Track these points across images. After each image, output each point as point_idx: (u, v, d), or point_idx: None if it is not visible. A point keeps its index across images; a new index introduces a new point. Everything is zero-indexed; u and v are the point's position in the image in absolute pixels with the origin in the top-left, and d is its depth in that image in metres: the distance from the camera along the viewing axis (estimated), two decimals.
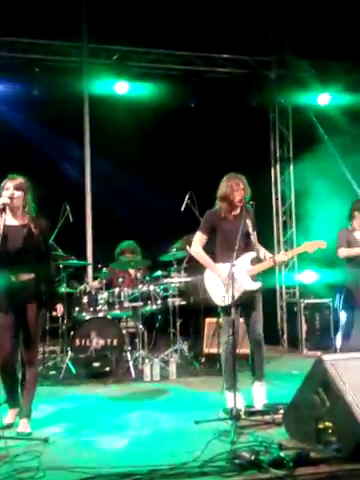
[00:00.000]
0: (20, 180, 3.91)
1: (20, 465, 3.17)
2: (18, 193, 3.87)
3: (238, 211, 4.36)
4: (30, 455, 3.34)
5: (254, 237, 4.39)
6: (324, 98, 8.48)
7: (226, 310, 4.23)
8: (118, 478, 2.92)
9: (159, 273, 6.75)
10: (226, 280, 4.18)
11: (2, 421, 3.62)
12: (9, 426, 3.85)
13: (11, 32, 7.49)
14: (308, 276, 8.35)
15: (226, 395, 4.23)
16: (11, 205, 3.82)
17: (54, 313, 4.34)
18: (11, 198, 3.81)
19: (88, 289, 6.41)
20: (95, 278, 7.19)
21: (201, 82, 8.31)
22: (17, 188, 3.86)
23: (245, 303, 4.28)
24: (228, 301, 4.14)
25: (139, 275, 6.58)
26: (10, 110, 7.66)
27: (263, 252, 4.45)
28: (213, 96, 8.27)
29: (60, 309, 4.40)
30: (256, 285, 4.30)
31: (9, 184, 3.86)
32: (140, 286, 6.41)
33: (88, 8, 7.52)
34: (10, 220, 3.86)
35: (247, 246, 4.26)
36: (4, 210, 3.74)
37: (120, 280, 6.46)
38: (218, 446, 3.40)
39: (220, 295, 4.23)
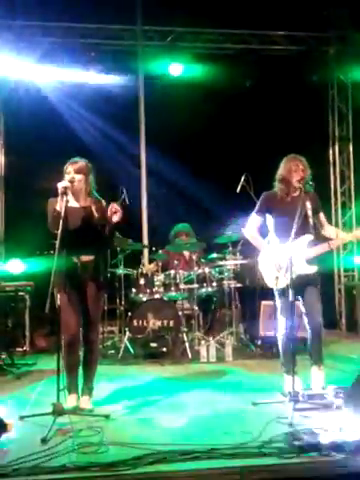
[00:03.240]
0: (81, 164, 4.00)
1: (83, 440, 3.28)
2: (79, 176, 3.96)
3: (297, 193, 4.26)
4: (92, 431, 3.46)
5: (321, 218, 4.36)
6: None
7: (282, 293, 4.19)
8: (178, 455, 2.97)
9: (214, 255, 6.76)
10: (280, 262, 4.14)
11: (65, 404, 3.73)
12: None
13: (66, 18, 7.60)
14: None
15: (284, 378, 4.20)
16: (72, 188, 3.91)
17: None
18: (72, 182, 3.90)
19: (144, 271, 6.50)
20: (151, 261, 7.28)
21: (257, 61, 8.15)
22: (77, 171, 3.96)
23: (301, 288, 4.20)
24: (282, 284, 4.12)
25: (194, 257, 6.60)
26: (67, 95, 7.79)
27: (334, 230, 4.41)
28: (269, 75, 8.09)
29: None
30: (312, 269, 4.20)
31: (70, 168, 3.97)
32: (195, 268, 6.44)
33: None
34: (72, 202, 3.96)
35: (304, 229, 4.15)
36: (65, 193, 3.83)
37: (176, 262, 6.51)
38: (277, 428, 3.39)
39: (273, 277, 4.19)
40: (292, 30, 8.24)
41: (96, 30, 7.92)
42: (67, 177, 3.92)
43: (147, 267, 6.81)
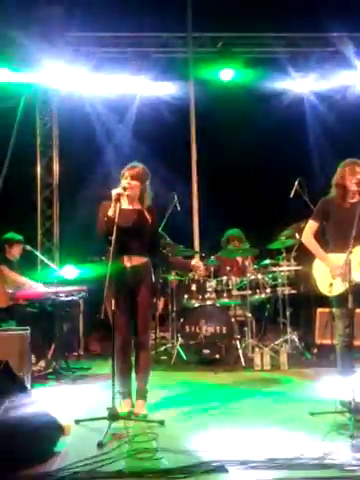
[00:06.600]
0: (138, 169, 4.04)
1: (139, 446, 3.28)
2: (134, 182, 4.00)
3: (355, 199, 4.14)
4: (147, 437, 3.45)
5: None
6: None
7: (339, 301, 4.05)
8: (235, 464, 2.92)
9: (268, 261, 6.65)
10: (335, 270, 4.02)
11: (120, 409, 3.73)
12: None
13: (117, 28, 7.73)
14: None
15: (342, 387, 4.05)
16: (126, 194, 3.96)
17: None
18: (125, 188, 3.94)
19: (196, 277, 6.46)
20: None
21: (309, 64, 8.00)
22: (133, 177, 3.99)
23: (358, 296, 4.04)
24: (336, 291, 3.99)
25: (247, 263, 6.52)
26: (119, 104, 7.91)
27: None
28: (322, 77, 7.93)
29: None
30: None
31: (127, 173, 4.02)
32: (248, 274, 6.36)
33: None
34: (125, 205, 4.01)
35: None
36: (119, 200, 3.87)
37: (228, 268, 6.45)
38: (337, 439, 3.28)
39: (327, 284, 4.06)
40: (343, 31, 8.03)
41: (147, 38, 8.00)
42: (124, 182, 3.97)
43: (197, 265, 6.60)
